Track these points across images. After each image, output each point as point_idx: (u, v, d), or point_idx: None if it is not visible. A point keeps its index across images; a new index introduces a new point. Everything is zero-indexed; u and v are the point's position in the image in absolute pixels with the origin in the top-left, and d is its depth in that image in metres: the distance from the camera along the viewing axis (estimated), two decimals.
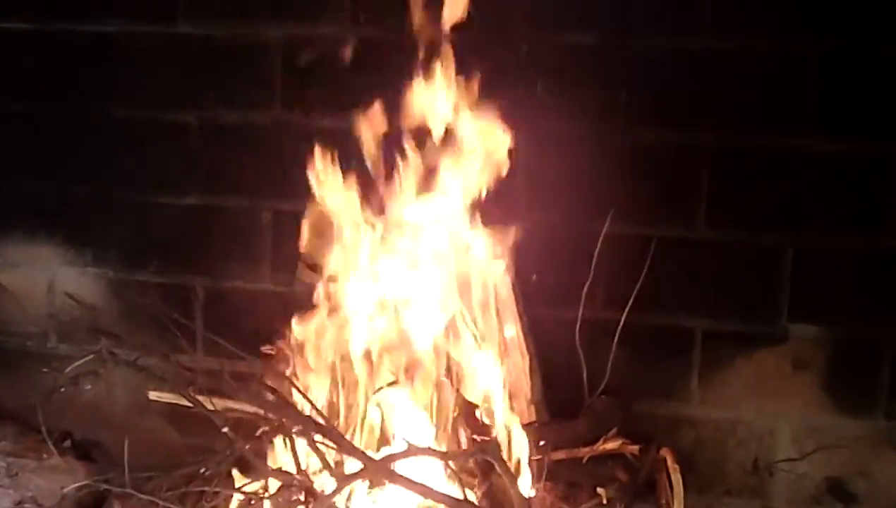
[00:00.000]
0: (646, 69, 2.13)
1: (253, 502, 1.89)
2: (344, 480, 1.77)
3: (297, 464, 1.83)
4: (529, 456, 1.99)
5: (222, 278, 2.42)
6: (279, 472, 1.84)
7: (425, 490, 1.77)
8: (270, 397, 1.90)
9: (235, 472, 1.92)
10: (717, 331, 2.16)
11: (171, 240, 2.45)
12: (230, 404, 1.94)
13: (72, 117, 2.46)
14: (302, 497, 1.81)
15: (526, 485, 1.93)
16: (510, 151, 2.01)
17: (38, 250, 2.52)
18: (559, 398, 2.12)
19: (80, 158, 2.46)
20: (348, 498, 1.83)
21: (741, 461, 2.18)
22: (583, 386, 2.12)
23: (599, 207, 2.12)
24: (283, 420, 1.86)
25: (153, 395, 1.98)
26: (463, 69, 2.01)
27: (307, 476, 1.81)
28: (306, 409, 1.87)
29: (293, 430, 1.84)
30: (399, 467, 1.78)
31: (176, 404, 2.02)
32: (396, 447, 1.87)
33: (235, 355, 2.19)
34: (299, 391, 1.93)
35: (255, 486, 1.89)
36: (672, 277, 2.14)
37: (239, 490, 1.86)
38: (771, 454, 2.16)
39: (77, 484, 1.96)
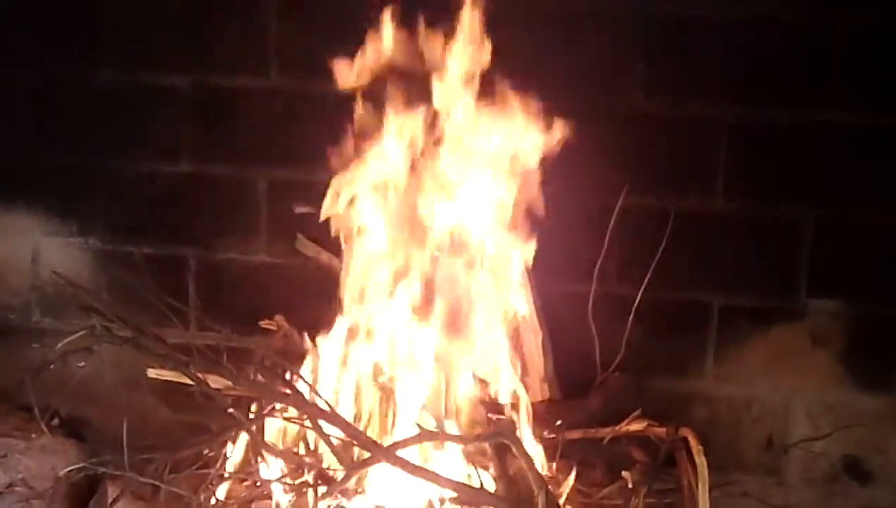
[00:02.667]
0: (663, 39, 2.05)
1: (259, 484, 1.82)
2: (352, 468, 1.70)
3: (307, 446, 1.76)
4: (543, 436, 1.94)
5: (216, 249, 2.32)
6: (288, 454, 1.77)
7: (437, 478, 1.70)
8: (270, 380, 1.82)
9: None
10: (734, 307, 2.12)
11: (161, 209, 2.34)
12: (230, 383, 1.85)
13: (55, 80, 2.32)
14: (311, 480, 1.74)
15: (538, 465, 1.87)
16: None
17: (20, 219, 2.40)
18: (572, 375, 2.06)
19: (64, 123, 2.34)
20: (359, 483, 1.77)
21: (756, 438, 2.15)
22: (596, 363, 2.06)
23: (614, 180, 2.05)
24: (287, 406, 1.78)
25: (152, 373, 1.89)
26: (477, 36, 1.91)
27: (318, 458, 1.74)
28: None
29: (297, 418, 1.76)
30: (409, 453, 1.72)
31: (167, 380, 1.94)
32: (406, 432, 1.80)
33: (231, 331, 2.12)
34: (301, 378, 1.85)
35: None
36: (689, 251, 2.08)
37: (248, 473, 1.78)
38: (786, 431, 2.14)
39: (73, 467, 1.87)
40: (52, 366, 2.01)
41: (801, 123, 2.04)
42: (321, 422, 1.73)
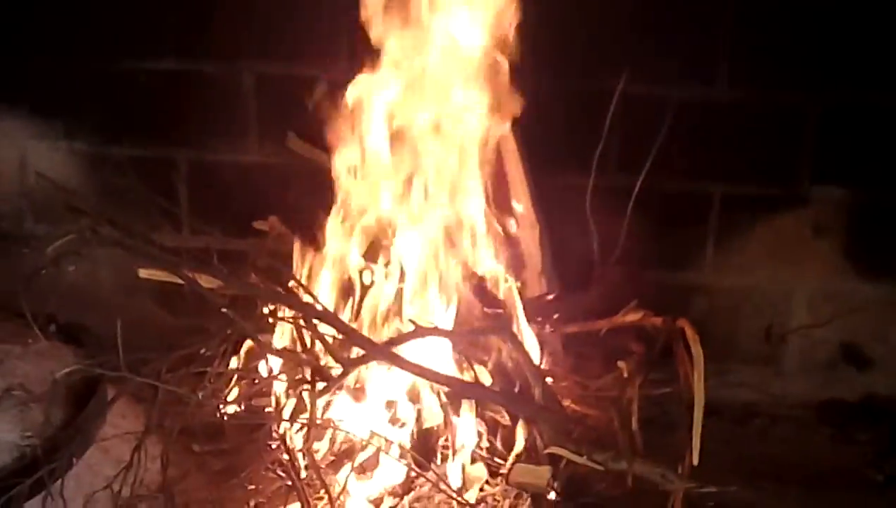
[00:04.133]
0: None
1: (257, 382, 1.82)
2: (349, 365, 1.69)
3: (303, 343, 1.74)
4: (541, 329, 1.93)
5: (205, 150, 2.27)
6: (285, 352, 1.76)
7: (432, 374, 1.69)
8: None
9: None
10: (735, 196, 2.07)
11: (147, 109, 2.27)
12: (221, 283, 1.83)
13: None
14: (308, 377, 1.73)
15: (536, 358, 1.87)
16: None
17: (4, 124, 2.34)
18: (570, 268, 2.03)
19: (42, 22, 2.25)
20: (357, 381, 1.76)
21: (755, 329, 2.13)
22: (594, 255, 2.03)
23: (613, 66, 1.97)
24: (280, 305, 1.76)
25: (144, 273, 1.86)
26: None
27: (314, 355, 1.73)
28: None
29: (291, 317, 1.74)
30: (406, 350, 1.71)
31: (165, 283, 1.92)
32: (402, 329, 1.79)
33: (223, 233, 2.09)
34: (295, 279, 1.82)
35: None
36: (690, 140, 2.02)
37: (245, 370, 1.78)
38: (786, 321, 2.12)
39: (69, 369, 1.86)
40: (43, 272, 1.98)
41: (803, 3, 1.95)
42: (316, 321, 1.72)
